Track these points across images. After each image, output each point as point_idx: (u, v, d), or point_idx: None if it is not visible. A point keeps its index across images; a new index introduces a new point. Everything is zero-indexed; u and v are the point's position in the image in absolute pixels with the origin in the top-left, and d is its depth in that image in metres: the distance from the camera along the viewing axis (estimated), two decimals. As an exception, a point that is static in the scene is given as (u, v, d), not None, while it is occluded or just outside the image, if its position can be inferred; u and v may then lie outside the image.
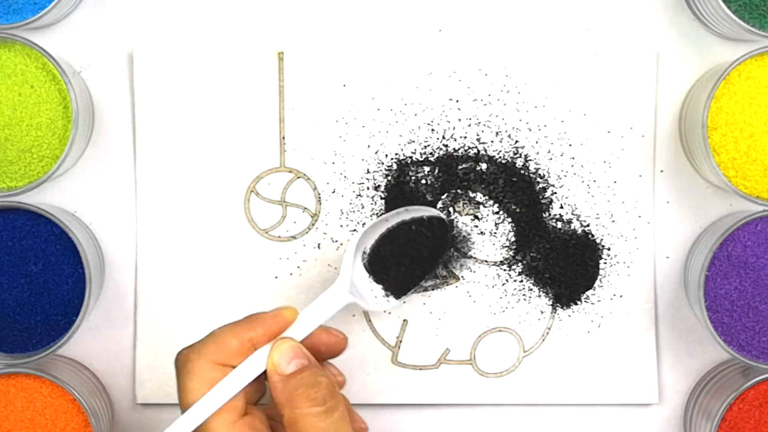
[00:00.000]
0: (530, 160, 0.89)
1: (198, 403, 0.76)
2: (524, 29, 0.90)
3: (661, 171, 0.90)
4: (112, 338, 0.90)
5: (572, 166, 0.89)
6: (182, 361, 0.77)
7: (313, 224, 0.90)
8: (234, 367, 0.77)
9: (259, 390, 0.80)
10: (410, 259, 0.85)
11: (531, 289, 0.89)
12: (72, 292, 0.86)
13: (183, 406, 0.77)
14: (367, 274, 0.84)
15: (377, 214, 0.89)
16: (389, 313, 0.89)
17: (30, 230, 0.86)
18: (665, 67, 0.90)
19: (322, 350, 0.81)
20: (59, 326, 0.86)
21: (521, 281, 0.89)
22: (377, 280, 0.85)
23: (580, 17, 0.90)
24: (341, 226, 0.89)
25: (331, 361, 0.83)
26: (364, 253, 0.85)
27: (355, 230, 0.89)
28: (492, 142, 0.89)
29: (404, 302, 0.87)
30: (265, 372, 0.78)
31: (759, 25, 0.85)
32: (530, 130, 0.89)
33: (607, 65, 0.89)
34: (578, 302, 0.89)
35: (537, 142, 0.89)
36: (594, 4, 0.90)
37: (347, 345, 0.83)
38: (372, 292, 0.85)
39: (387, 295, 0.85)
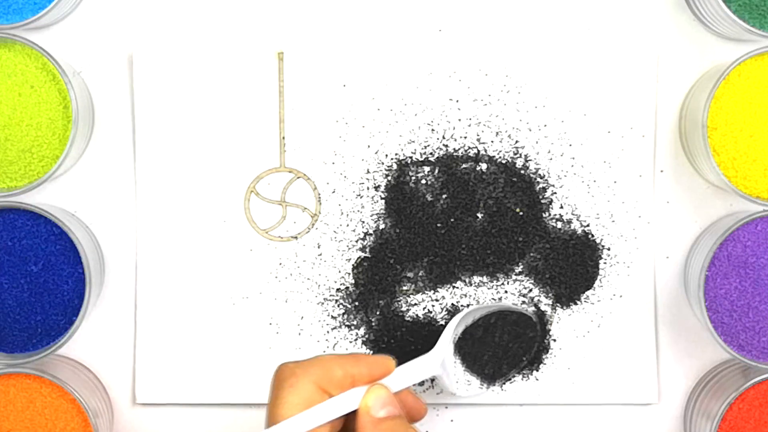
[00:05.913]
0: (530, 160, 0.89)
1: (293, 419, 0.76)
2: (524, 29, 0.90)
3: (661, 171, 0.90)
4: (112, 338, 0.90)
5: (572, 166, 0.89)
6: (286, 374, 0.77)
7: (313, 224, 0.90)
8: (331, 395, 0.77)
9: (337, 426, 0.79)
10: (499, 352, 0.86)
11: (531, 289, 0.89)
12: (72, 292, 0.86)
13: (274, 416, 0.76)
14: (453, 356, 0.85)
15: (377, 214, 0.89)
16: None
17: (30, 230, 0.86)
18: (665, 67, 0.90)
19: (404, 411, 0.81)
20: (59, 326, 0.86)
21: (521, 281, 0.89)
22: (464, 364, 0.85)
23: (580, 17, 0.90)
24: (341, 226, 0.89)
25: None
26: (456, 335, 0.85)
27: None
28: (492, 142, 0.89)
29: (481, 392, 0.87)
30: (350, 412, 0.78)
31: (759, 25, 0.85)
32: (530, 130, 0.89)
33: (607, 65, 0.89)
34: (578, 302, 0.89)
35: (537, 142, 0.89)
36: (594, 4, 0.90)
37: (426, 414, 0.83)
38: (455, 376, 0.85)
39: (468, 382, 0.85)
